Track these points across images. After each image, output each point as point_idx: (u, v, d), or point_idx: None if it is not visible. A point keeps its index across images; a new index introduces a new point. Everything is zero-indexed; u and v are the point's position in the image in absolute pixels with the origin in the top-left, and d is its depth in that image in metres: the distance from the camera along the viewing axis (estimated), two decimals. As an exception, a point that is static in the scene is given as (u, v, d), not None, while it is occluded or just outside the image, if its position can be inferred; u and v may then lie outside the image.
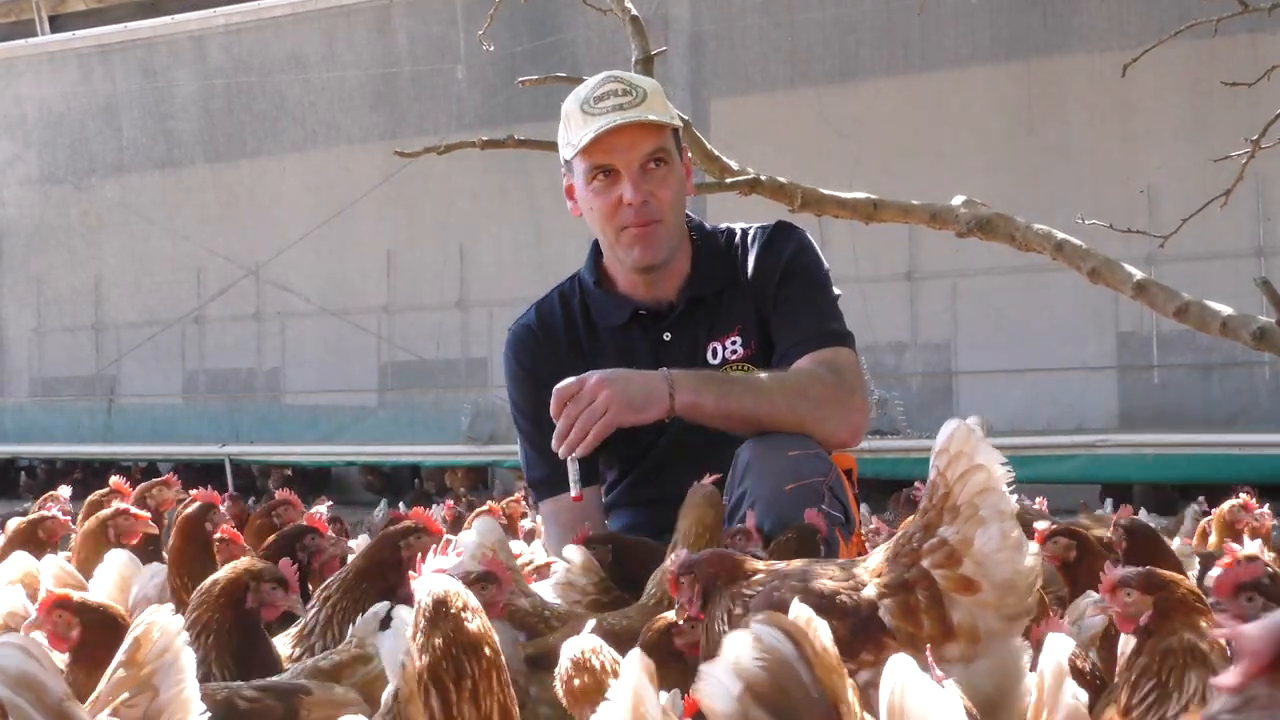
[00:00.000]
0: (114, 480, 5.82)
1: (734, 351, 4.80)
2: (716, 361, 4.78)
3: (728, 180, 6.05)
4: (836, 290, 4.92)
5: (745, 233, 4.98)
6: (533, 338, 4.95)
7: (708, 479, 4.02)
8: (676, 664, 3.33)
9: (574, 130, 4.69)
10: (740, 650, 2.05)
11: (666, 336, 4.86)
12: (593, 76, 4.83)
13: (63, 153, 18.72)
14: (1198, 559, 4.69)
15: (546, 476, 4.72)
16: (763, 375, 4.56)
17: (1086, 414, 13.19)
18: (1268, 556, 3.80)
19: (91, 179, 18.55)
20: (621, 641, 3.08)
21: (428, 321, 17.02)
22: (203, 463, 16.50)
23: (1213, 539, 5.69)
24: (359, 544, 5.84)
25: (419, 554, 3.43)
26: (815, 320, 4.72)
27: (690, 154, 5.06)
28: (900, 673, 1.96)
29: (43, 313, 19.31)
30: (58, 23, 19.20)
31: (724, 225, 5.06)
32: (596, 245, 4.91)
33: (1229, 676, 1.63)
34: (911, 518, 3.27)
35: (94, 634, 3.24)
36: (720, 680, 2.03)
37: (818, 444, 4.39)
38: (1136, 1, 13.02)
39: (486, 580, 3.40)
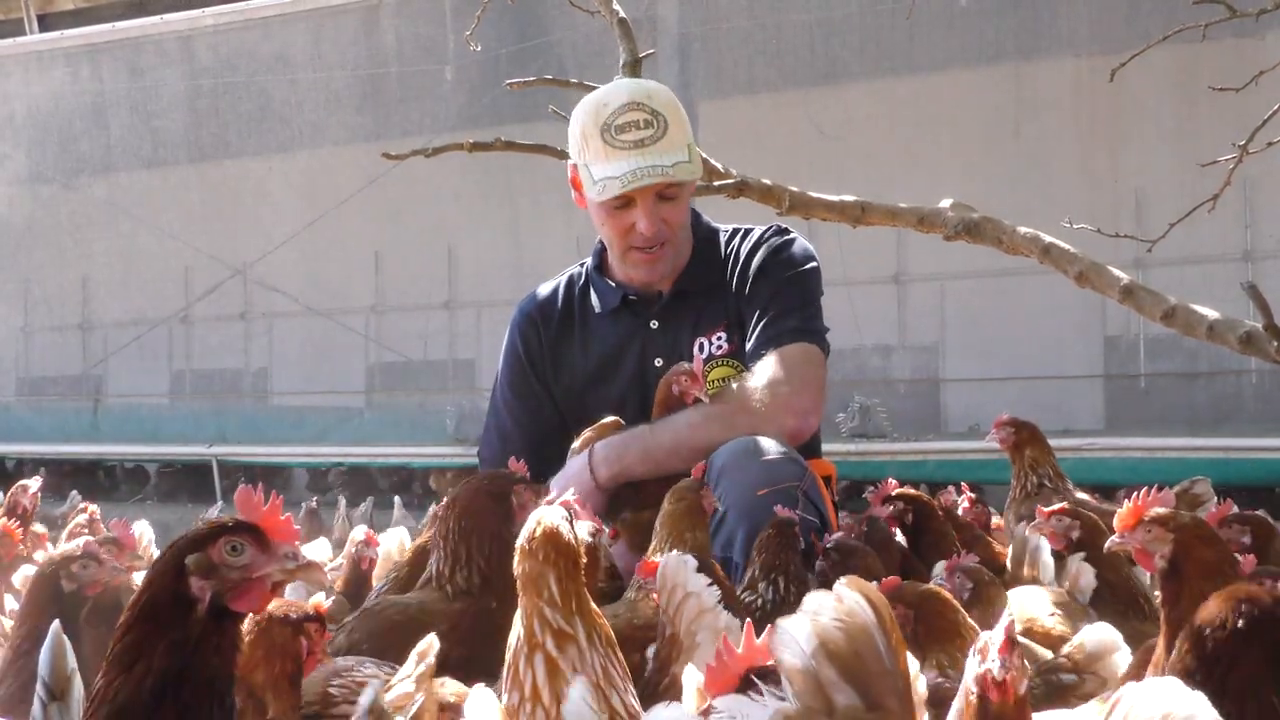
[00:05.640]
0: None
1: (720, 347, 4.91)
2: (703, 356, 4.85)
3: (715, 183, 6.05)
4: (822, 290, 4.99)
5: (747, 234, 5.06)
6: (531, 325, 5.16)
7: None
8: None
9: (593, 154, 4.73)
10: (820, 607, 2.01)
11: (654, 325, 4.98)
12: (615, 90, 4.86)
13: (51, 152, 18.63)
14: None
15: (496, 458, 4.99)
16: (679, 415, 4.63)
17: (1073, 417, 13.19)
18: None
19: (79, 178, 18.48)
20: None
21: (415, 322, 16.99)
22: (189, 463, 16.47)
23: None
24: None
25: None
26: (772, 318, 4.79)
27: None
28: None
29: (30, 312, 19.23)
30: (46, 22, 19.15)
31: (731, 226, 5.13)
32: None
33: None
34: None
35: None
36: (794, 634, 2.00)
37: (790, 447, 4.44)
38: (1122, 6, 13.02)
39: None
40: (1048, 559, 4.39)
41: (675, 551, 3.17)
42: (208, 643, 2.28)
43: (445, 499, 3.95)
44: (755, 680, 2.14)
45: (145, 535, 5.81)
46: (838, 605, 2.00)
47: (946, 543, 4.61)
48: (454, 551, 3.74)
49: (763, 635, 2.18)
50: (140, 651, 2.25)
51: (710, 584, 3.08)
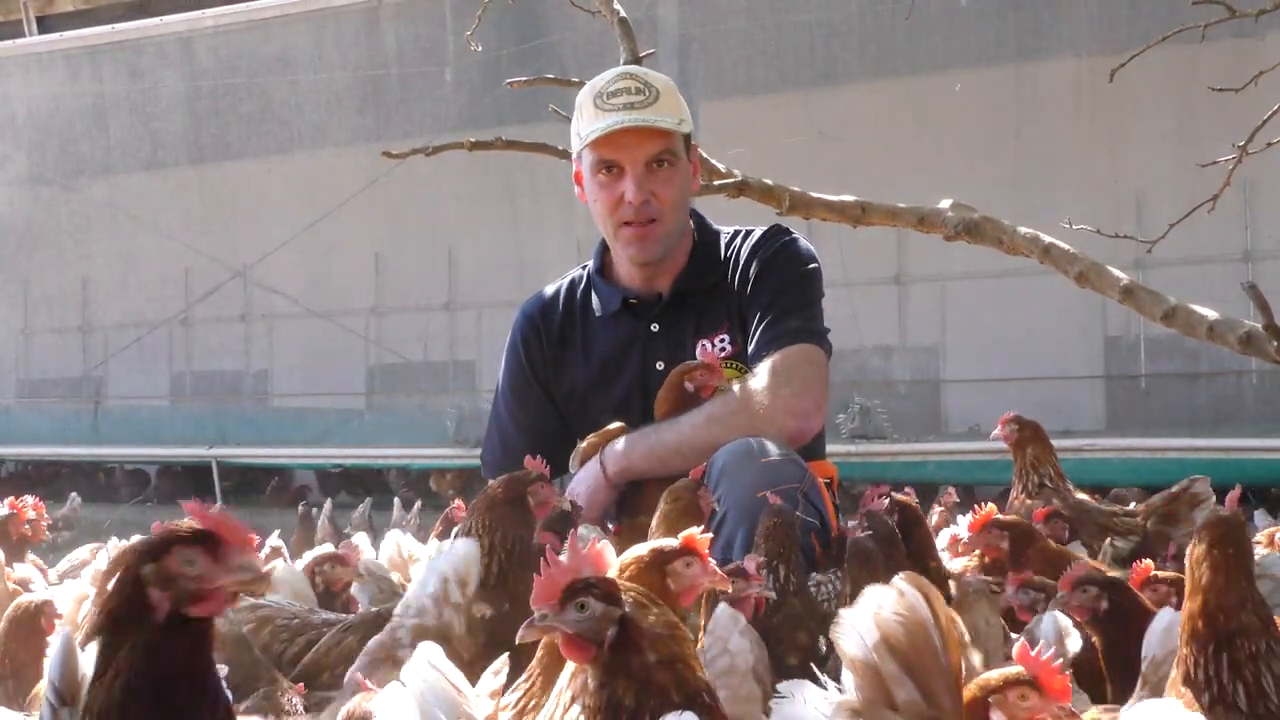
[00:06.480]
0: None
1: (722, 349, 4.89)
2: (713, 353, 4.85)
3: (715, 183, 6.05)
4: (824, 289, 4.98)
5: (748, 235, 5.05)
6: (533, 327, 5.17)
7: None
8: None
9: (585, 121, 4.79)
10: (882, 602, 2.04)
11: (654, 328, 4.97)
12: (610, 69, 4.92)
13: (51, 153, 18.64)
14: None
15: (497, 461, 5.00)
16: (684, 416, 4.61)
17: (1074, 417, 13.18)
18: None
19: (80, 180, 18.48)
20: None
21: (415, 324, 16.99)
22: (189, 465, 16.47)
23: None
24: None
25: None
26: (774, 319, 4.78)
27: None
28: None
29: (30, 313, 19.24)
30: (45, 23, 19.14)
31: (732, 228, 5.13)
32: None
33: None
34: None
35: None
36: (857, 628, 2.03)
37: (790, 449, 4.42)
38: (1122, 6, 13.02)
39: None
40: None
41: (728, 608, 3.15)
42: (171, 643, 2.25)
43: (474, 502, 3.96)
44: (576, 593, 2.30)
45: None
46: (899, 600, 2.03)
47: (929, 552, 4.56)
48: (479, 542, 3.78)
49: (586, 548, 2.37)
50: (108, 658, 2.25)
51: (750, 648, 3.07)
